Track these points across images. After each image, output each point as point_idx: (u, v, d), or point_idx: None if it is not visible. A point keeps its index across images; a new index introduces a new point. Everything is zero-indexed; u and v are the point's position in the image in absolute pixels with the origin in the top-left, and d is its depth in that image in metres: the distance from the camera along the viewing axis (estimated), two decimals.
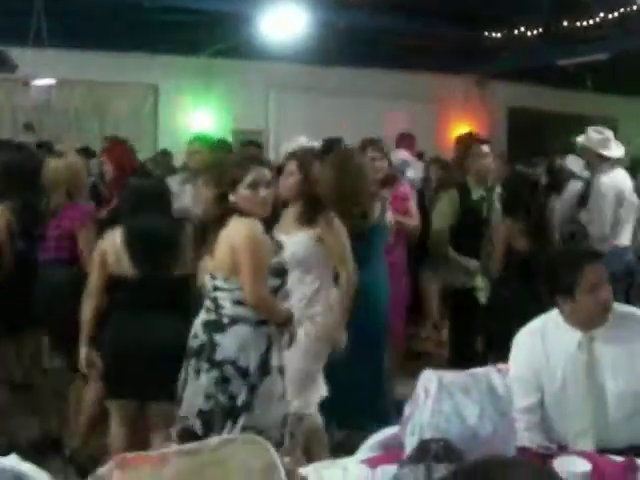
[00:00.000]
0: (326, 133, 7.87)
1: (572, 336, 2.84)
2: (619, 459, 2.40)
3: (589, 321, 2.83)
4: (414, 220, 5.19)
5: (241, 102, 10.11)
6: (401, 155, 6.27)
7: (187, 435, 3.29)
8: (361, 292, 4.01)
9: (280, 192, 4.02)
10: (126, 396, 3.84)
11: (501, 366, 2.38)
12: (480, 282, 5.06)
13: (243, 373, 3.31)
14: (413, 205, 5.29)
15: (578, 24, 8.97)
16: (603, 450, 2.57)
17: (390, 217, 4.68)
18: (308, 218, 3.96)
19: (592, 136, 5.96)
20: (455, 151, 6.52)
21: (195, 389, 3.37)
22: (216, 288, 3.36)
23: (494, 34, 9.71)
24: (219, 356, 3.30)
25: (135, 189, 4.03)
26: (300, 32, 8.35)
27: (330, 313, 3.98)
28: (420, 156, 8.05)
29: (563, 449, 2.56)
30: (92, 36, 8.62)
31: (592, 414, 2.79)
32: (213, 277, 3.38)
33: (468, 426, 2.15)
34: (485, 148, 5.30)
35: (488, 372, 2.32)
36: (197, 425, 3.33)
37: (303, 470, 2.18)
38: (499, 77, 11.59)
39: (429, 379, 2.25)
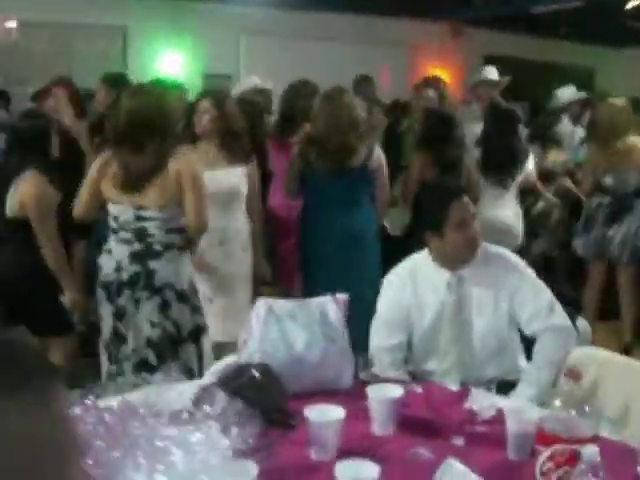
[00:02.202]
0: (296, 77, 7.80)
1: (441, 276, 2.87)
2: (455, 389, 2.47)
3: (456, 258, 2.86)
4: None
5: (212, 46, 9.98)
6: None
7: (143, 367, 3.40)
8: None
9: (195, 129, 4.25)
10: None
11: (340, 296, 2.42)
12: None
13: (179, 296, 3.51)
14: None
15: None
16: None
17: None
18: (241, 155, 4.11)
19: None
20: None
21: (139, 320, 3.48)
22: (143, 218, 3.48)
23: None
24: (158, 282, 3.51)
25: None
26: None
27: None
28: None
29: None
30: None
31: (459, 352, 2.82)
32: (140, 209, 3.48)
33: (295, 352, 2.27)
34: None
35: (324, 300, 2.40)
36: (151, 356, 3.46)
37: None
38: (474, 24, 11.45)
39: (261, 306, 2.29)
